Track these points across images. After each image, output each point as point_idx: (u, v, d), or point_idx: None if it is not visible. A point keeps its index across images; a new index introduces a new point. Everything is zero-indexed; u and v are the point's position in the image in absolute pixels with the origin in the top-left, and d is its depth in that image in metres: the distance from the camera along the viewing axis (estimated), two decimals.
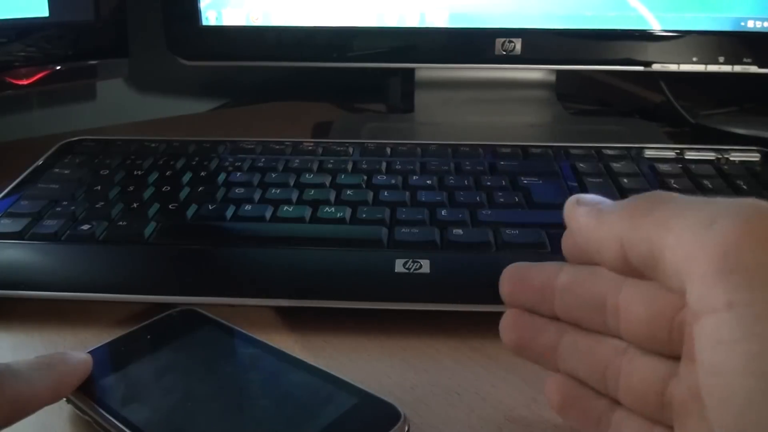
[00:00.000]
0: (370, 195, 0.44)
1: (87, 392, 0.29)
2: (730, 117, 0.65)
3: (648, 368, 0.23)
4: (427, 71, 0.64)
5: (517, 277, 0.26)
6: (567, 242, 0.26)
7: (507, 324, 0.27)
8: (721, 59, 0.58)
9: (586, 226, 0.23)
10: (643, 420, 0.23)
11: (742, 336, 0.17)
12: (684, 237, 0.19)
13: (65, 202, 0.44)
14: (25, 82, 0.56)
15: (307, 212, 0.42)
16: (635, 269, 0.21)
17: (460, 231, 0.40)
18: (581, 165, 0.48)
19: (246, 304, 0.37)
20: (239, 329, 0.34)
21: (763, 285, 0.17)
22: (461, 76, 0.64)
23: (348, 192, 0.44)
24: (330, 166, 0.48)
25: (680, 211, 0.20)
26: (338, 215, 0.42)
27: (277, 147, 0.52)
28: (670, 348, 0.22)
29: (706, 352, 0.18)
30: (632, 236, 0.21)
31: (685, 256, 0.19)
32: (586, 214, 0.23)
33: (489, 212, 0.42)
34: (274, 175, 0.47)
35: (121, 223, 0.41)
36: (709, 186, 0.45)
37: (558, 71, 0.64)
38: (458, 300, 0.36)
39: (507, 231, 0.40)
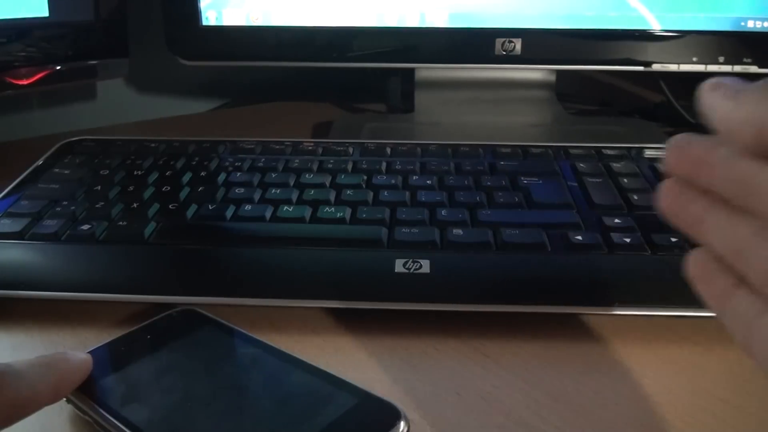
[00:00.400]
0: (370, 195, 0.44)
1: (87, 392, 0.29)
2: None
3: None
4: (427, 71, 0.65)
5: (680, 146, 0.25)
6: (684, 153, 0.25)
7: (664, 191, 0.26)
8: (721, 59, 0.58)
9: (721, 107, 0.22)
10: (764, 302, 0.23)
11: None
12: None
13: (65, 202, 0.44)
14: (25, 82, 0.56)
15: (307, 212, 0.42)
16: (762, 148, 0.21)
17: (460, 231, 0.40)
18: (581, 165, 0.48)
19: (246, 304, 0.37)
20: (239, 329, 0.34)
21: None
22: (461, 76, 0.64)
23: (348, 192, 0.44)
24: (330, 166, 0.48)
25: None
26: (338, 215, 0.42)
27: (277, 147, 0.52)
28: None
29: None
30: None
31: None
32: (723, 96, 0.22)
33: (489, 212, 0.42)
34: (274, 175, 0.47)
35: (121, 223, 0.41)
36: None
37: (558, 71, 0.64)
38: (458, 300, 0.36)
39: (507, 231, 0.40)
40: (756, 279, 0.23)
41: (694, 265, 0.26)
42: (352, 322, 0.37)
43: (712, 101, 0.23)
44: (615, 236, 0.39)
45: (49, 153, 0.52)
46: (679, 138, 0.25)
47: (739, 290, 0.24)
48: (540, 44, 0.59)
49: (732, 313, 0.24)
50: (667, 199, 0.26)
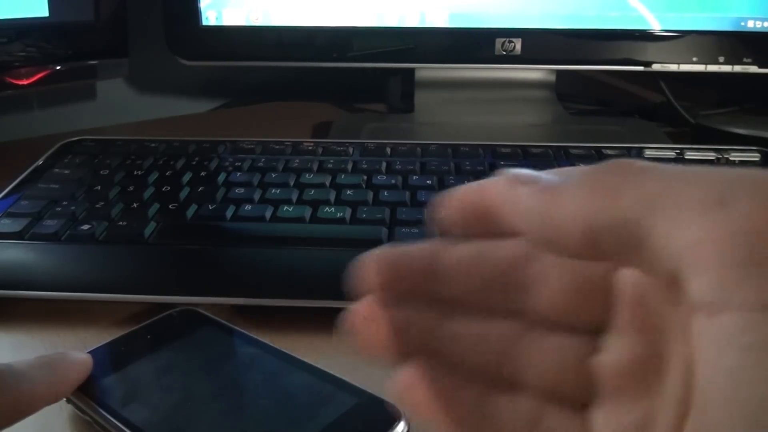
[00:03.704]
0: (370, 195, 0.44)
1: (87, 392, 0.29)
2: (730, 117, 0.65)
3: (560, 345, 0.20)
4: (427, 71, 0.64)
5: (391, 263, 0.22)
6: (458, 211, 0.21)
7: (364, 317, 0.22)
8: (721, 59, 0.58)
9: (537, 209, 0.18)
10: (536, 401, 0.20)
11: None
12: (683, 220, 0.16)
13: (65, 202, 0.44)
14: (25, 82, 0.56)
15: (307, 212, 0.42)
16: (600, 255, 0.18)
17: None
18: (581, 165, 0.48)
19: (246, 304, 0.37)
20: (239, 329, 0.34)
21: None
22: (461, 76, 0.64)
23: (348, 192, 0.44)
24: (330, 166, 0.48)
25: (667, 187, 0.16)
26: (338, 215, 0.42)
27: (277, 147, 0.52)
28: (592, 320, 0.20)
29: (728, 356, 0.15)
30: (604, 219, 0.17)
31: (688, 242, 0.15)
32: (534, 195, 0.18)
33: None
34: (274, 175, 0.47)
35: (121, 223, 0.41)
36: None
37: (558, 71, 0.64)
38: None
39: None
40: (535, 380, 0.20)
41: (423, 388, 0.21)
42: None
43: (522, 203, 0.19)
44: None
45: (49, 153, 0.52)
46: (384, 253, 0.22)
47: (501, 396, 0.20)
48: (540, 44, 0.59)
49: (499, 424, 0.20)
50: (375, 328, 0.22)
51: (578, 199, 0.17)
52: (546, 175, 0.19)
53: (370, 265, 0.22)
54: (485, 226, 0.21)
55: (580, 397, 0.20)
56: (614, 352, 0.19)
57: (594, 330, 0.20)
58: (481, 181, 0.21)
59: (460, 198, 0.21)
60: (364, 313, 0.22)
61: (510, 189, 0.19)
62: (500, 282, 0.21)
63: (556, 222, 0.18)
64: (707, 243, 0.15)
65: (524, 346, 0.20)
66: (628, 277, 0.19)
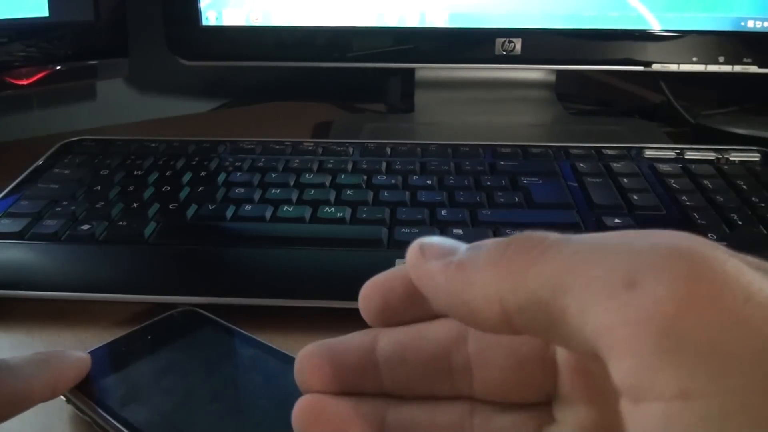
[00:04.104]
0: (370, 195, 0.44)
1: (87, 392, 0.29)
2: (730, 117, 0.65)
3: (511, 422, 0.20)
4: (427, 71, 0.64)
5: (323, 360, 0.21)
6: (380, 298, 0.21)
7: (307, 417, 0.21)
8: (721, 59, 0.58)
9: (447, 286, 0.18)
10: None
11: None
12: (591, 304, 0.15)
13: (65, 202, 0.44)
14: (25, 82, 0.56)
15: (307, 212, 0.42)
16: (520, 331, 0.17)
17: (460, 231, 0.40)
18: (581, 165, 0.48)
19: (246, 304, 0.37)
20: (239, 330, 0.34)
21: (723, 370, 0.14)
22: (461, 76, 0.64)
23: (348, 192, 0.44)
24: (330, 166, 0.48)
25: (573, 264, 0.16)
26: (338, 215, 0.42)
27: (277, 147, 0.52)
28: (539, 392, 0.19)
29: None
30: (516, 297, 0.16)
31: (600, 328, 0.15)
32: (445, 271, 0.18)
33: (489, 212, 0.42)
34: (274, 175, 0.47)
35: (121, 223, 0.41)
36: (709, 186, 0.45)
37: (558, 71, 0.64)
38: None
39: (507, 231, 0.40)
40: None
41: None
42: (352, 322, 0.36)
43: (432, 279, 0.18)
44: None
45: (49, 153, 0.52)
46: (314, 349, 0.22)
47: None
48: (540, 44, 0.59)
49: None
50: (318, 427, 0.21)
51: (488, 280, 0.17)
52: (456, 246, 0.18)
53: (308, 364, 0.22)
54: (412, 308, 0.21)
55: None
56: (567, 423, 0.19)
57: (544, 402, 0.20)
58: (391, 270, 0.21)
59: (379, 287, 0.21)
60: (311, 409, 0.21)
61: (422, 264, 0.19)
62: (439, 367, 0.20)
63: (470, 305, 0.17)
64: (620, 328, 0.15)
65: (473, 429, 0.20)
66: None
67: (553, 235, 0.17)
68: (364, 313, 0.22)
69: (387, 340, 0.21)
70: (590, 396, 0.18)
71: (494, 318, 0.17)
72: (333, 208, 0.42)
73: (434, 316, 0.21)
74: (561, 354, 0.19)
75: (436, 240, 0.19)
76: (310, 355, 0.22)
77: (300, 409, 0.21)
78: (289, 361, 0.31)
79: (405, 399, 0.21)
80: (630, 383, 0.14)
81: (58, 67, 0.58)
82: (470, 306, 0.17)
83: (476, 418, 0.20)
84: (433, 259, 0.18)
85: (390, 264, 0.37)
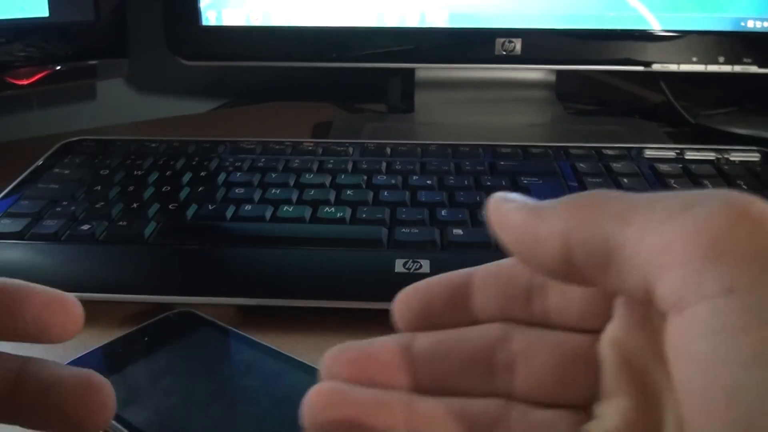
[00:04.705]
0: (370, 195, 0.44)
1: None
2: (730, 117, 0.65)
3: (550, 416, 0.20)
4: (427, 71, 0.64)
5: (354, 356, 0.21)
6: (421, 302, 0.22)
7: (324, 402, 0.20)
8: (721, 59, 0.58)
9: (520, 223, 0.19)
10: None
11: (752, 322, 0.15)
12: (651, 227, 0.17)
13: (65, 202, 0.44)
14: (25, 82, 0.56)
15: (307, 212, 0.42)
16: (577, 272, 0.18)
17: (460, 231, 0.40)
18: (581, 165, 0.48)
19: (246, 304, 0.37)
20: (237, 330, 0.34)
21: (766, 268, 0.15)
22: (461, 76, 0.64)
23: (348, 192, 0.44)
24: (330, 166, 0.48)
25: (638, 204, 0.18)
26: (338, 215, 0.42)
27: (277, 147, 0.52)
28: (582, 391, 0.20)
29: (699, 343, 0.16)
30: (580, 232, 0.18)
31: (656, 246, 0.17)
32: (520, 210, 0.20)
33: None
34: (274, 175, 0.47)
35: (121, 223, 0.41)
36: (710, 186, 0.45)
37: (558, 71, 0.64)
38: None
39: None
40: None
41: None
42: (352, 322, 0.37)
43: (508, 217, 0.20)
44: None
45: (49, 153, 0.52)
46: (348, 348, 0.22)
47: None
48: (540, 44, 0.59)
49: None
50: (337, 411, 0.20)
51: (557, 217, 0.19)
52: (530, 199, 0.20)
53: (338, 356, 0.22)
54: (451, 314, 0.22)
55: None
56: (608, 418, 0.19)
57: (582, 403, 0.20)
58: (432, 278, 0.22)
59: (420, 292, 0.22)
60: (329, 394, 0.21)
61: (502, 205, 0.20)
62: (480, 364, 0.21)
63: (537, 237, 0.19)
64: (672, 244, 0.16)
65: (510, 422, 0.20)
66: (610, 342, 0.20)
67: (617, 191, 0.19)
68: (400, 316, 0.22)
69: (426, 338, 0.22)
70: (632, 390, 0.19)
71: (556, 252, 0.18)
72: (333, 208, 0.42)
73: (472, 323, 0.22)
74: (605, 349, 0.20)
75: (514, 194, 0.21)
76: (339, 350, 0.22)
77: (316, 393, 0.20)
78: (287, 361, 0.31)
79: (435, 393, 0.21)
80: (678, 293, 0.16)
81: (58, 67, 0.58)
82: (535, 242, 0.19)
83: (514, 412, 0.20)
84: (513, 202, 0.20)
85: (390, 264, 0.37)
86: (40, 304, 0.23)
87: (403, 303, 0.22)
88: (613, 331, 0.20)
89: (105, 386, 0.22)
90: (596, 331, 0.20)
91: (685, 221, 0.16)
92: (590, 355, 0.20)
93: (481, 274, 0.22)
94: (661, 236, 0.17)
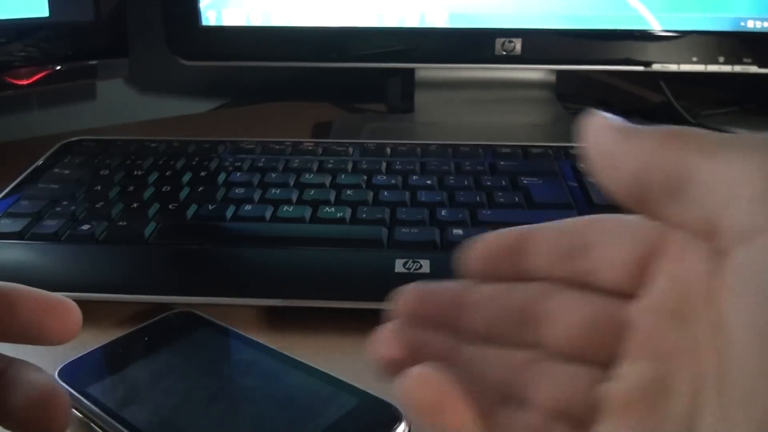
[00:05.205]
0: (370, 195, 0.44)
1: (85, 392, 0.29)
2: (730, 117, 0.65)
3: (574, 373, 0.21)
4: (427, 71, 0.64)
5: (421, 295, 0.23)
6: (492, 244, 0.23)
7: (389, 334, 0.23)
8: (721, 59, 0.58)
9: (614, 137, 0.20)
10: (543, 418, 0.21)
11: None
12: (732, 159, 0.18)
13: (65, 202, 0.44)
14: (25, 82, 0.56)
15: (307, 212, 0.42)
16: (646, 195, 0.19)
17: (460, 231, 0.40)
18: (581, 165, 0.48)
19: (246, 304, 0.37)
20: (237, 330, 0.34)
21: None
22: (461, 76, 0.64)
23: (348, 192, 0.44)
24: (330, 166, 0.48)
25: (721, 138, 0.19)
26: (338, 215, 0.42)
27: (277, 147, 0.52)
28: (602, 353, 0.21)
29: (765, 273, 0.16)
30: (664, 155, 0.19)
31: (733, 178, 0.17)
32: (616, 126, 0.21)
33: (489, 212, 0.42)
34: (274, 175, 0.47)
35: (121, 223, 0.41)
36: None
37: (558, 71, 0.64)
38: None
39: None
40: (543, 405, 0.21)
41: (422, 384, 0.21)
42: (352, 323, 0.37)
43: (600, 131, 0.21)
44: None
45: (49, 153, 0.52)
46: (417, 286, 0.24)
47: (510, 409, 0.22)
48: (540, 44, 0.59)
49: None
50: (398, 342, 0.23)
51: (643, 140, 0.20)
52: (627, 122, 0.21)
53: (403, 294, 0.23)
54: (511, 266, 0.23)
55: (586, 419, 0.20)
56: (624, 379, 0.20)
57: (605, 362, 0.20)
58: (502, 230, 0.23)
59: (488, 242, 0.23)
60: (388, 331, 0.23)
61: (596, 119, 0.21)
62: (518, 315, 0.22)
63: (619, 153, 0.20)
64: (748, 174, 0.17)
65: (536, 372, 0.22)
66: (641, 307, 0.20)
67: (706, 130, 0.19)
68: (469, 260, 0.23)
69: (482, 287, 0.23)
70: (652, 357, 0.19)
71: (631, 171, 0.19)
72: (333, 208, 0.42)
73: (528, 279, 0.23)
74: (637, 314, 0.20)
75: (613, 115, 0.21)
76: (415, 285, 0.23)
77: (378, 332, 0.23)
78: (287, 361, 0.31)
79: (476, 340, 0.23)
80: (748, 221, 0.17)
81: (58, 67, 0.58)
82: (616, 157, 0.20)
83: (540, 364, 0.21)
84: (608, 120, 0.21)
85: (390, 264, 0.37)
86: (39, 308, 0.24)
87: (474, 249, 0.23)
88: (645, 295, 0.20)
89: (61, 395, 0.23)
90: (631, 295, 0.21)
91: (764, 153, 0.17)
92: (619, 317, 0.20)
93: (541, 230, 0.23)
94: (740, 167, 0.17)
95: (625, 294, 0.21)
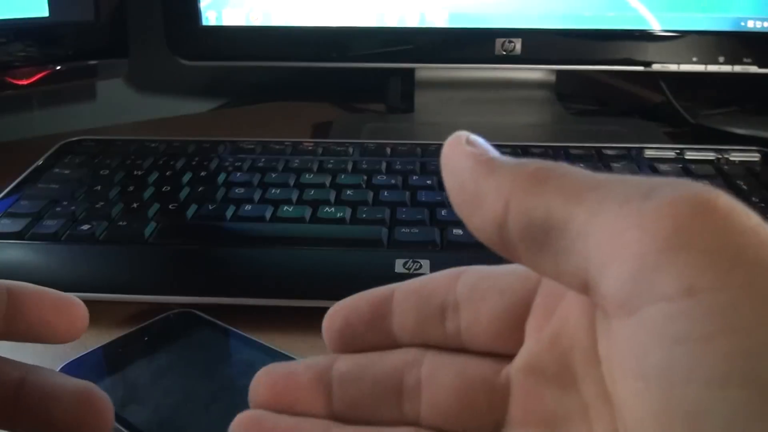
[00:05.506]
0: (370, 195, 0.44)
1: None
2: (730, 117, 0.65)
3: None
4: (427, 71, 0.64)
5: (276, 379, 0.21)
6: (344, 319, 0.21)
7: (249, 425, 0.20)
8: (721, 59, 0.58)
9: (468, 171, 0.18)
10: None
11: (718, 331, 0.13)
12: (603, 209, 0.15)
13: (65, 202, 0.44)
14: (25, 82, 0.56)
15: (307, 212, 0.42)
16: (512, 242, 0.17)
17: (460, 231, 0.40)
18: (581, 165, 0.48)
19: (246, 304, 0.37)
20: (237, 330, 0.34)
21: (731, 266, 0.13)
22: (461, 76, 0.64)
23: (348, 192, 0.44)
24: (330, 166, 0.48)
25: (593, 183, 0.16)
26: (338, 215, 0.42)
27: (277, 147, 0.52)
28: (488, 419, 0.19)
29: (654, 355, 0.13)
30: (525, 199, 0.16)
31: (606, 232, 0.15)
32: (476, 158, 0.18)
33: None
34: (274, 175, 0.47)
35: (121, 223, 0.41)
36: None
37: (558, 71, 0.64)
38: None
39: None
40: None
41: None
42: None
43: (463, 161, 0.18)
44: None
45: (49, 153, 0.52)
46: (271, 369, 0.21)
47: None
48: (540, 44, 0.59)
49: None
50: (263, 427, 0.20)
51: (505, 177, 0.17)
52: (493, 149, 0.19)
53: (262, 381, 0.21)
54: (373, 332, 0.21)
55: None
56: None
57: (489, 431, 0.19)
58: (358, 294, 0.21)
59: (344, 308, 0.21)
60: (249, 422, 0.20)
61: (460, 145, 0.19)
62: (389, 390, 0.20)
63: (479, 192, 0.17)
64: (625, 232, 0.14)
65: None
66: (520, 367, 0.19)
67: (574, 167, 0.17)
68: (326, 335, 0.21)
69: (345, 360, 0.21)
70: (541, 421, 0.18)
71: (493, 214, 0.17)
72: (333, 208, 0.42)
73: (395, 345, 0.21)
74: (512, 376, 0.19)
75: (478, 138, 0.19)
76: (264, 372, 0.21)
77: (237, 423, 0.20)
78: (286, 360, 0.31)
79: (350, 422, 0.20)
80: (628, 291, 0.14)
81: (58, 67, 0.58)
82: (479, 196, 0.17)
83: None
84: (472, 147, 0.19)
85: (390, 264, 0.37)
86: (47, 306, 0.24)
87: (328, 318, 0.21)
88: (523, 355, 0.19)
89: (104, 400, 0.23)
90: (509, 356, 0.19)
91: (643, 207, 0.14)
92: (497, 382, 0.19)
93: (402, 290, 0.21)
94: (614, 221, 0.15)
95: (501, 355, 0.19)
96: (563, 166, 0.17)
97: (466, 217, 0.18)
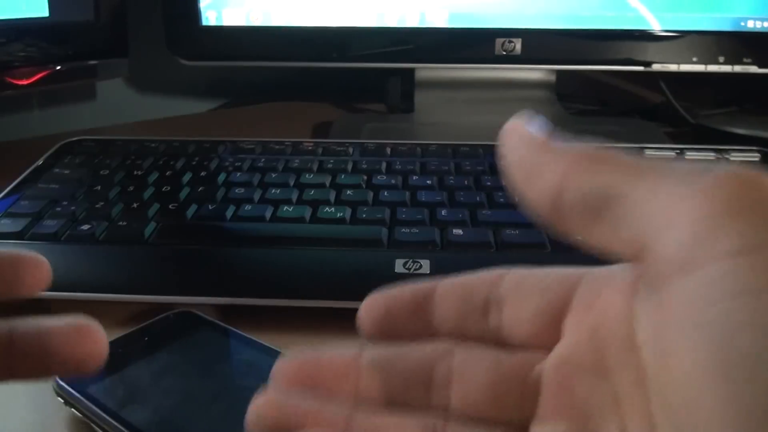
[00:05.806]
0: (370, 195, 0.44)
1: (86, 393, 0.29)
2: (730, 117, 0.65)
3: None
4: (427, 71, 0.64)
5: (302, 361, 0.21)
6: (384, 307, 0.22)
7: (263, 410, 0.20)
8: (721, 59, 0.58)
9: (530, 147, 0.19)
10: None
11: None
12: (665, 182, 0.16)
13: (65, 202, 0.44)
14: (25, 82, 0.56)
15: (307, 212, 0.42)
16: (565, 215, 0.18)
17: (460, 231, 0.40)
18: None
19: (246, 304, 0.37)
20: (237, 330, 0.34)
21: None
22: (461, 76, 0.64)
23: (348, 192, 0.44)
24: (330, 166, 0.48)
25: (652, 164, 0.17)
26: (338, 215, 0.42)
27: (277, 147, 0.52)
28: (517, 411, 0.19)
29: (714, 308, 0.14)
30: (584, 174, 0.17)
31: (666, 202, 0.16)
32: (533, 137, 0.19)
33: (489, 212, 0.42)
34: (274, 175, 0.47)
35: (121, 223, 0.41)
36: None
37: (558, 71, 0.64)
38: None
39: (507, 231, 0.40)
40: None
41: None
42: (352, 323, 0.36)
43: (524, 135, 0.19)
44: None
45: (49, 153, 0.52)
46: (301, 357, 0.21)
47: None
48: (540, 44, 0.59)
49: None
50: (281, 411, 0.20)
51: (563, 157, 0.18)
52: (550, 130, 0.20)
53: (287, 363, 0.21)
54: (412, 322, 0.21)
55: None
56: None
57: (520, 424, 0.19)
58: (399, 285, 0.22)
59: (384, 297, 0.22)
60: (269, 403, 0.20)
61: (516, 126, 0.20)
62: (419, 377, 0.20)
63: (536, 168, 0.18)
64: (685, 199, 0.15)
65: None
66: (553, 363, 0.19)
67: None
68: (364, 322, 0.22)
69: (375, 350, 0.21)
70: (572, 413, 0.18)
71: (553, 183, 0.18)
72: (333, 208, 0.42)
73: (431, 335, 0.21)
74: (545, 371, 0.19)
75: (539, 120, 0.20)
76: (290, 356, 0.21)
77: (256, 403, 0.20)
78: None
79: (375, 406, 0.20)
80: (687, 252, 0.15)
81: (58, 67, 0.58)
82: (537, 167, 0.18)
83: (448, 428, 0.19)
84: (525, 125, 0.20)
85: (390, 264, 0.37)
86: (8, 262, 0.24)
87: (367, 307, 0.22)
88: (559, 350, 0.19)
89: (95, 324, 0.23)
90: (544, 352, 0.19)
91: (700, 180, 0.16)
92: (529, 377, 0.19)
93: (445, 285, 0.22)
94: (674, 191, 0.16)
95: (537, 349, 0.20)
96: (618, 151, 0.18)
97: (524, 189, 0.19)
